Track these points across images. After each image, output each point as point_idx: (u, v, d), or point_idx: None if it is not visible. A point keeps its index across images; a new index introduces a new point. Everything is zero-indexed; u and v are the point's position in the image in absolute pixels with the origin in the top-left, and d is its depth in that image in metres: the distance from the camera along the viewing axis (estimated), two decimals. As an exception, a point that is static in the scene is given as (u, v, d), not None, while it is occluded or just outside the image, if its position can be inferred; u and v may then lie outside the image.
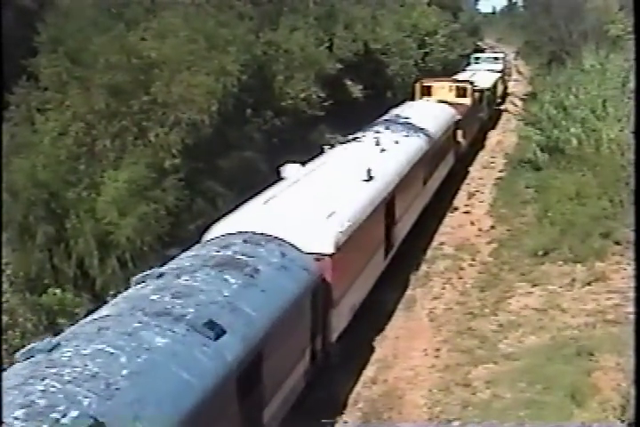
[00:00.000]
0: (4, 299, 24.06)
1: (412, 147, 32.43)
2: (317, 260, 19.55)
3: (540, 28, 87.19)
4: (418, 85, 50.20)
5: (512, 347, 23.01)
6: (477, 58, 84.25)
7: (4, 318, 22.48)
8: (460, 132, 44.38)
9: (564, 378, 19.79)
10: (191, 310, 14.17)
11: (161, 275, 16.28)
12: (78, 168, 28.30)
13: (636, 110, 27.54)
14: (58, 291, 24.88)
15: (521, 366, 21.56)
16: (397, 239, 28.52)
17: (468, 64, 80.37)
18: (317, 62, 42.87)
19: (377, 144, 29.90)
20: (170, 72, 30.90)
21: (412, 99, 48.94)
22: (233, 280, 16.41)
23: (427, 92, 49.37)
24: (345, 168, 26.62)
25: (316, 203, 22.18)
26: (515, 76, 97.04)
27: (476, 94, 52.31)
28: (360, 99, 51.33)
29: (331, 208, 21.76)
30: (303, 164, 27.55)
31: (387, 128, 34.63)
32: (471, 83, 51.21)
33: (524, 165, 42.73)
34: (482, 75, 64.12)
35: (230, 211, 22.64)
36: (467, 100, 48.74)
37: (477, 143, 54.72)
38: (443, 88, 49.19)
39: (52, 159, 27.42)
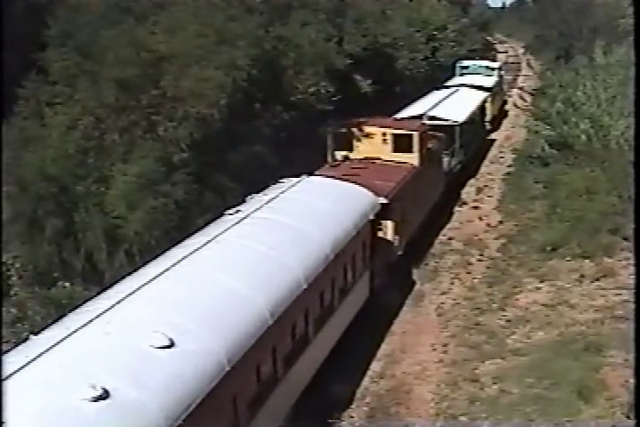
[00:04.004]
0: (12, 292, 24.15)
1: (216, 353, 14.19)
2: None
3: (549, 23, 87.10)
4: (331, 135, 31.53)
5: (520, 342, 23.03)
6: (465, 67, 63.98)
7: (14, 311, 22.58)
8: (389, 225, 26.72)
9: (571, 374, 19.81)
10: None
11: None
12: (87, 162, 28.38)
13: (637, 110, 27.48)
14: (67, 284, 24.97)
15: (529, 361, 21.57)
16: None
17: (453, 75, 62.26)
18: (327, 57, 42.84)
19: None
20: (179, 66, 30.93)
21: (331, 154, 31.36)
22: None
23: (347, 143, 30.95)
24: None
25: None
26: (525, 71, 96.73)
27: (438, 139, 35.28)
28: (369, 93, 51.26)
29: None
30: None
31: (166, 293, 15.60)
32: (421, 125, 33.46)
33: (532, 160, 42.65)
34: (460, 98, 47.67)
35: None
36: (411, 158, 30.57)
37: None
38: (371, 137, 30.94)
39: (61, 153, 27.49)
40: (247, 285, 16.42)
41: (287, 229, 20.02)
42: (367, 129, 31.09)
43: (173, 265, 16.38)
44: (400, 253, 28.06)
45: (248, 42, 33.65)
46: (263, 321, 15.74)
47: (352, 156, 30.45)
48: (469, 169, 44.61)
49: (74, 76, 30.21)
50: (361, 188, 25.08)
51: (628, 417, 16.94)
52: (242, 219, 19.89)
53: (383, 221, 26.19)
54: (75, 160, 27.78)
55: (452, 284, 28.69)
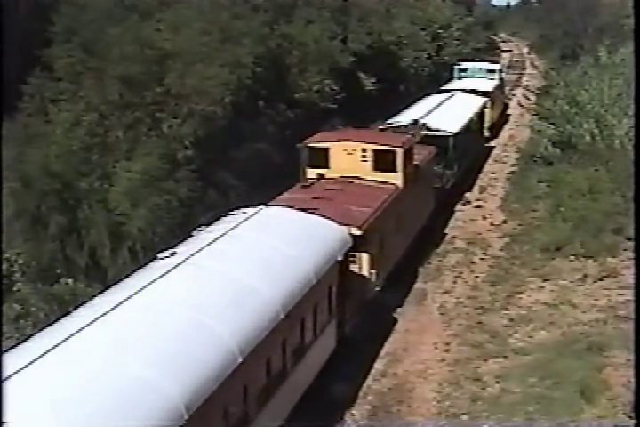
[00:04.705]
0: (15, 288, 24.18)
1: None
2: None
3: (554, 22, 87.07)
4: (305, 149, 27.17)
5: (522, 342, 23.01)
6: (464, 69, 59.56)
7: (16, 308, 22.61)
8: (364, 259, 23.10)
9: (574, 374, 19.79)
10: None
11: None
12: (91, 159, 28.43)
13: (637, 110, 27.44)
14: (70, 281, 24.99)
15: (531, 360, 21.56)
16: None
17: (451, 79, 58.31)
18: (331, 55, 42.90)
19: None
20: (183, 64, 31.00)
21: (303, 172, 26.97)
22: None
23: (321, 159, 26.72)
24: None
25: None
26: (529, 70, 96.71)
27: (428, 153, 31.49)
28: (373, 91, 51.30)
29: None
30: None
31: None
32: (407, 140, 28.57)
33: (536, 159, 42.61)
34: (456, 104, 43.76)
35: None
36: (394, 177, 26.84)
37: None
38: (348, 153, 26.74)
39: (65, 150, 27.54)
40: (158, 371, 12.30)
41: (228, 283, 16.06)
42: (345, 144, 26.87)
43: (65, 340, 12.22)
44: (378, 288, 24.37)
45: (253, 40, 33.74)
46: (177, 416, 11.79)
47: (328, 174, 26.46)
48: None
49: (78, 73, 30.30)
50: (329, 222, 21.05)
51: (630, 417, 16.93)
52: (174, 266, 15.85)
53: (357, 254, 22.60)
54: (78, 157, 27.84)
55: (454, 283, 28.65)
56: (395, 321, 25.33)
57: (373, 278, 23.55)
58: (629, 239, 27.84)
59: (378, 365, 22.57)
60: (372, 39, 53.76)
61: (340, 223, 21.28)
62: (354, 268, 22.51)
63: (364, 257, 22.96)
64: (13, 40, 26.97)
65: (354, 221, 22.23)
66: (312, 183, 25.92)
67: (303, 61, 40.90)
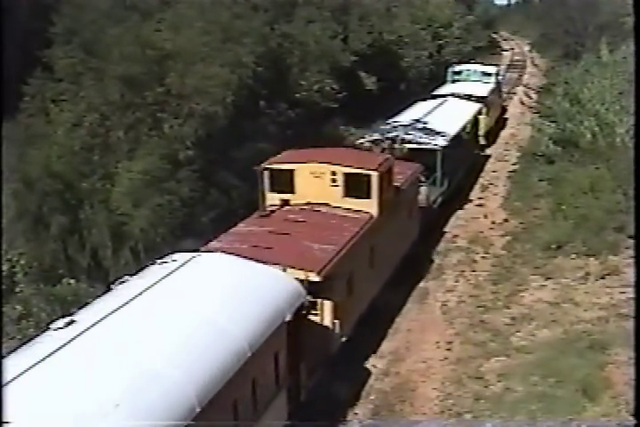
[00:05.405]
0: (17, 289, 24.22)
1: None
2: None
3: (555, 20, 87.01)
4: (265, 173, 23.48)
5: (525, 340, 23.01)
6: (458, 72, 55.03)
7: (19, 308, 22.64)
8: (327, 306, 19.62)
9: (576, 372, 19.79)
10: None
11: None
12: (92, 159, 28.47)
13: (637, 108, 27.39)
14: (72, 281, 25.02)
15: (533, 359, 21.55)
16: None
17: (444, 82, 53.83)
18: (332, 54, 42.92)
19: None
20: (184, 63, 31.02)
21: (262, 197, 23.41)
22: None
23: (285, 183, 23.28)
24: None
25: None
26: (530, 68, 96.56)
27: (407, 174, 27.47)
28: (374, 91, 51.31)
29: None
30: None
31: None
32: (385, 161, 24.77)
33: (537, 158, 42.58)
34: (447, 112, 39.90)
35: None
36: (368, 205, 23.36)
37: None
38: (316, 176, 23.26)
39: (67, 150, 27.58)
40: None
41: (125, 369, 12.40)
42: (312, 165, 23.36)
43: None
44: (344, 339, 20.81)
45: (253, 39, 33.77)
46: None
47: (293, 200, 23.19)
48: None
49: (79, 74, 30.34)
50: (278, 272, 17.78)
51: (633, 415, 16.94)
52: (63, 344, 12.49)
53: (319, 301, 19.20)
54: (80, 157, 27.90)
55: (456, 281, 28.65)
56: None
57: (337, 329, 20.06)
58: (631, 237, 27.83)
59: (380, 364, 22.59)
60: (373, 38, 53.77)
61: (296, 268, 18.41)
62: (314, 317, 19.22)
63: (327, 305, 19.51)
64: (14, 40, 26.99)
65: (313, 264, 18.97)
66: (272, 211, 22.76)
67: (304, 61, 40.92)
